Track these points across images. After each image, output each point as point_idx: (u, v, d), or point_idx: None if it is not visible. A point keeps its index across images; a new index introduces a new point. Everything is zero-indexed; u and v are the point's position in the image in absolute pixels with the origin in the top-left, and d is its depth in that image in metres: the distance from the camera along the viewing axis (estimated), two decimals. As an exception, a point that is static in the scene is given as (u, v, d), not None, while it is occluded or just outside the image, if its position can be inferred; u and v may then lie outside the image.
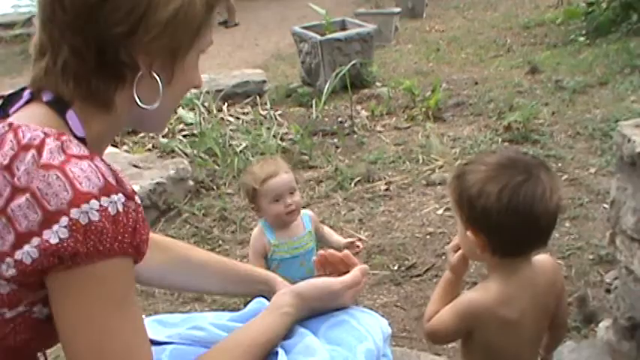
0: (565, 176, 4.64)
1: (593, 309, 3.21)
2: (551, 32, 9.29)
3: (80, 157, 1.15)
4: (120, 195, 1.15)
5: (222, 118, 6.38)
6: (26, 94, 1.31)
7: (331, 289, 1.56)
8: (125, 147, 5.92)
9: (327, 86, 6.34)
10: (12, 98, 1.32)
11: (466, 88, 6.94)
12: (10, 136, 1.19)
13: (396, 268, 3.86)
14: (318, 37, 7.35)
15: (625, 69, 6.77)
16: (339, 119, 6.37)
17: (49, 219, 1.11)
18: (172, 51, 1.29)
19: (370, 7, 11.73)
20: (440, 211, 4.41)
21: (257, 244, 2.82)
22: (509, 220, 1.72)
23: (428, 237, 4.14)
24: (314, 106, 6.38)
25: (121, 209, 1.15)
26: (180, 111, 6.25)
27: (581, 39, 8.35)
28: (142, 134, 6.18)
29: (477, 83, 7.15)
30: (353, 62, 6.69)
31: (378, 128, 6.07)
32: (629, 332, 2.53)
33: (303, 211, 2.92)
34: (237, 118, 6.45)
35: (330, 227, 4.33)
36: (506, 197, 1.71)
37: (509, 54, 8.60)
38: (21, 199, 1.12)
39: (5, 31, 12.64)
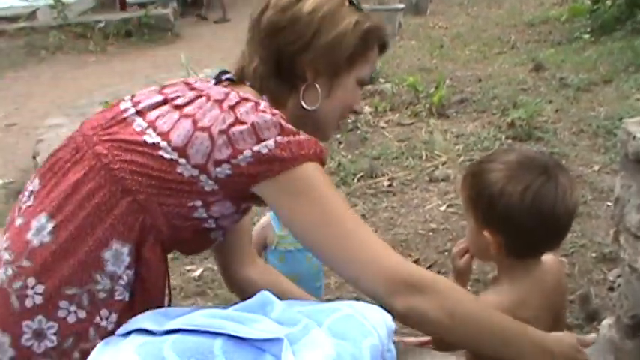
0: (569, 174, 4.61)
1: (595, 307, 3.21)
2: (555, 30, 9.25)
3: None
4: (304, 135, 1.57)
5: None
6: (228, 76, 1.78)
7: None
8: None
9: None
10: (219, 75, 1.78)
11: (470, 85, 6.92)
12: (234, 92, 1.60)
13: (398, 264, 3.83)
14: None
15: (629, 67, 6.75)
16: (343, 115, 6.32)
17: (260, 141, 1.51)
18: (331, 71, 1.71)
19: (374, 3, 11.67)
20: (443, 208, 4.40)
21: (260, 233, 2.68)
22: (531, 222, 1.71)
23: (431, 233, 4.13)
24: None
25: (292, 139, 1.54)
26: None
27: (586, 36, 8.33)
28: None
29: (480, 80, 7.12)
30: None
31: (382, 124, 6.05)
32: (632, 330, 2.52)
33: None
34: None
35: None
36: (529, 198, 1.70)
37: (514, 51, 8.57)
38: (242, 127, 1.51)
39: (9, 24, 12.51)
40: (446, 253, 3.88)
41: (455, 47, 9.15)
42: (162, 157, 1.54)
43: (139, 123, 1.60)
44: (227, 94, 1.59)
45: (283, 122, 1.55)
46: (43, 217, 1.56)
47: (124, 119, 1.62)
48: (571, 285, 3.43)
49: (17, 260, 1.54)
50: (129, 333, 1.47)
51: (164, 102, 1.64)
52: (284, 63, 1.69)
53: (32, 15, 13.20)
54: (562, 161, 4.64)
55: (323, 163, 1.60)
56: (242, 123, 1.52)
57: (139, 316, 1.52)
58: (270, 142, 1.52)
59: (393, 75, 7.47)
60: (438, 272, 3.66)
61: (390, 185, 4.83)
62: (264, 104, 1.58)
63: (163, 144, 1.55)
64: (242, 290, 2.02)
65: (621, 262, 2.50)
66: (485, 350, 1.64)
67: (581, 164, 4.77)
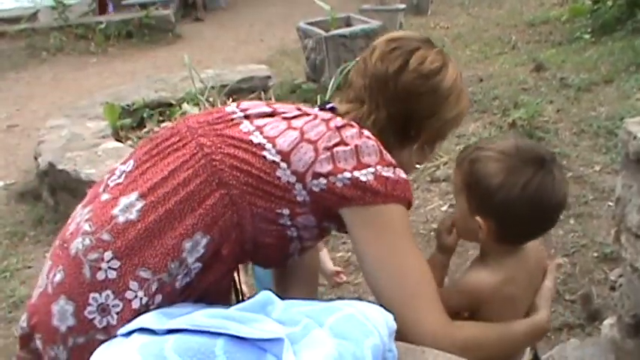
0: (570, 174, 4.61)
1: (597, 307, 3.21)
2: (556, 30, 9.20)
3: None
4: (391, 168, 1.64)
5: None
6: (331, 106, 1.85)
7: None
8: (130, 142, 5.90)
9: (332, 82, 6.30)
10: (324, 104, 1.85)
11: (471, 85, 6.88)
12: (339, 117, 1.71)
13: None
14: (323, 33, 7.31)
15: (630, 67, 6.71)
16: (344, 116, 6.28)
17: (360, 166, 1.60)
18: (439, 138, 1.90)
19: (375, 3, 11.65)
20: (444, 208, 4.39)
21: None
22: (528, 214, 1.75)
23: (432, 233, 4.09)
24: (318, 102, 6.29)
25: (392, 176, 1.62)
26: (185, 106, 6.22)
27: (587, 37, 8.27)
28: (145, 129, 6.19)
29: (481, 80, 7.08)
30: (358, 59, 6.60)
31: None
32: (634, 330, 2.52)
33: None
34: (243, 114, 6.38)
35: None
36: (530, 192, 1.74)
37: (514, 51, 8.52)
38: (345, 148, 1.60)
39: (10, 25, 12.50)
40: (447, 254, 3.86)
41: (456, 47, 9.09)
42: (264, 157, 1.61)
43: (247, 125, 1.67)
44: (334, 117, 1.69)
45: (384, 151, 1.64)
46: (133, 195, 1.60)
47: (232, 119, 1.70)
48: (572, 285, 3.43)
49: (97, 232, 1.57)
50: (130, 333, 1.47)
51: (272, 114, 1.71)
52: (410, 123, 1.80)
53: (33, 16, 13.13)
54: (563, 161, 4.67)
55: (409, 207, 1.68)
56: (346, 144, 1.61)
57: (141, 316, 1.52)
58: (370, 171, 1.60)
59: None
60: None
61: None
62: (367, 132, 1.67)
63: (268, 145, 1.61)
64: None
65: (623, 261, 2.50)
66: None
67: (583, 164, 4.76)
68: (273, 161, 1.61)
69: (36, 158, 5.75)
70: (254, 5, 14.36)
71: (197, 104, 6.22)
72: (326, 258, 2.88)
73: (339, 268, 2.87)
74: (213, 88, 6.64)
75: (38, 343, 1.57)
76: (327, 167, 1.59)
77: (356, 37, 7.31)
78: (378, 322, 1.48)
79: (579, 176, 4.56)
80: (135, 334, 1.45)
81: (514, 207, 1.74)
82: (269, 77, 7.21)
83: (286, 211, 1.63)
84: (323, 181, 1.59)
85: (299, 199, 1.62)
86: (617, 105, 5.77)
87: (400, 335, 1.54)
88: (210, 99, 6.44)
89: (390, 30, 9.89)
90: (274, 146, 1.62)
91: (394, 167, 1.64)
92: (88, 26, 12.30)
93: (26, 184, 6.06)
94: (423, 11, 11.83)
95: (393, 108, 1.78)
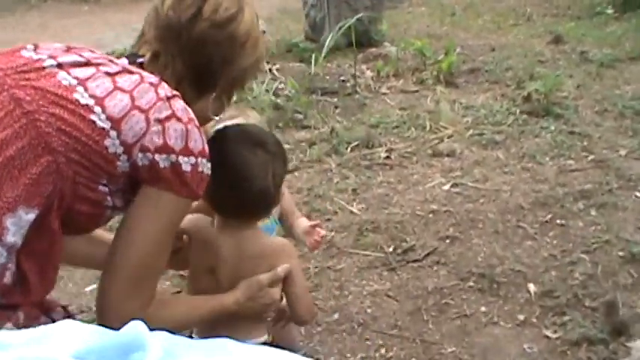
0: (591, 157, 4.13)
1: (623, 318, 2.68)
2: (574, 4, 8.74)
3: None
4: (207, 161, 1.61)
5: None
6: (141, 61, 1.71)
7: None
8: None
9: (328, 40, 5.78)
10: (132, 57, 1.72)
11: (482, 55, 6.37)
12: (164, 82, 1.61)
13: (390, 250, 3.34)
14: (325, -12, 6.77)
15: (656, 44, 6.21)
16: (342, 78, 5.81)
17: (186, 151, 1.55)
18: (236, 87, 1.84)
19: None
20: (446, 187, 3.88)
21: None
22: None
23: (431, 215, 3.61)
24: (312, 62, 5.77)
25: (205, 171, 1.60)
26: None
27: (609, 12, 7.81)
28: None
29: (494, 50, 6.58)
30: (359, 15, 6.12)
31: (383, 90, 5.52)
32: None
33: None
34: (231, 70, 5.89)
35: (320, 196, 3.86)
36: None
37: (530, 23, 8.06)
38: (177, 125, 1.55)
39: None
40: (447, 240, 3.36)
41: (467, 16, 8.64)
42: (94, 122, 1.48)
43: (65, 77, 1.52)
44: (160, 82, 1.59)
45: (205, 142, 1.61)
46: None
47: (43, 68, 1.54)
48: (593, 289, 2.91)
49: None
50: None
51: (86, 64, 1.58)
52: (207, 73, 1.72)
53: None
54: (584, 142, 4.28)
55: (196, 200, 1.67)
56: (178, 120, 1.55)
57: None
58: (192, 161, 1.56)
59: (400, 40, 6.89)
60: (437, 262, 3.20)
61: (387, 157, 4.30)
62: (191, 112, 1.60)
63: (97, 109, 1.49)
64: None
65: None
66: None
67: (606, 147, 4.23)
68: (103, 128, 1.49)
69: None
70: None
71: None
72: (299, 220, 2.37)
73: (313, 222, 2.30)
74: None
75: None
76: (156, 142, 1.52)
77: (361, -6, 6.73)
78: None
79: (602, 160, 4.04)
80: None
81: None
82: (263, 32, 6.62)
83: (104, 181, 1.53)
84: (149, 155, 1.52)
85: (120, 170, 1.53)
86: (643, 84, 5.27)
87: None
88: None
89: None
90: (104, 110, 1.49)
91: (207, 159, 1.61)
92: (81, -27, 11.87)
93: None
94: (435, -23, 11.26)
95: (189, 58, 1.69)
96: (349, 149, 4.40)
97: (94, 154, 1.48)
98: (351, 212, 3.68)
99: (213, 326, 1.88)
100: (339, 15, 6.61)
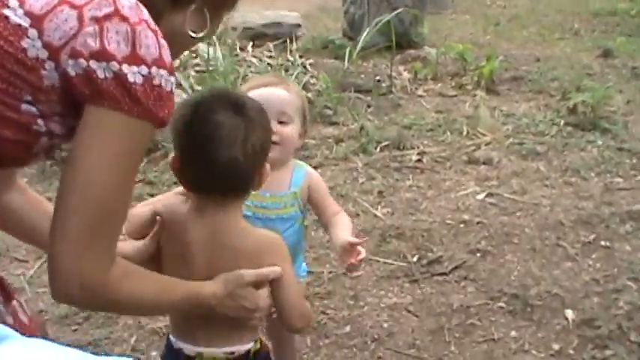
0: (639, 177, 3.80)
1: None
2: (624, 23, 8.52)
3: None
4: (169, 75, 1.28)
5: (244, 58, 5.62)
6: None
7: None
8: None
9: (363, 35, 5.52)
10: None
11: (526, 64, 6.09)
12: None
13: (414, 259, 3.06)
14: (366, -17, 6.52)
15: None
16: (377, 77, 5.55)
17: (134, 59, 1.23)
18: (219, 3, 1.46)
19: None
20: (480, 196, 3.60)
21: None
22: None
23: (461, 226, 3.33)
24: (346, 58, 5.51)
25: (165, 85, 1.27)
26: (199, 45, 5.50)
27: (660, 30, 7.51)
28: None
29: (538, 60, 6.30)
30: (398, 11, 5.87)
31: (420, 92, 5.25)
32: None
33: (298, 163, 2.04)
34: (261, 61, 5.68)
35: (342, 196, 3.57)
36: None
37: (577, 37, 7.82)
38: (120, 26, 1.22)
39: None
40: (478, 254, 3.07)
41: (512, 27, 8.43)
42: (7, 17, 1.21)
43: None
44: None
45: (164, 46, 1.28)
46: None
47: None
48: (641, 321, 2.60)
49: None
50: None
51: None
52: None
53: None
54: (633, 159, 4.00)
55: (160, 127, 1.33)
56: (123, 19, 1.23)
57: None
58: (143, 71, 1.24)
59: (440, 45, 6.62)
60: (465, 278, 2.89)
61: (418, 160, 4.02)
62: (146, 12, 1.28)
63: (13, 3, 1.23)
64: None
65: None
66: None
67: (658, 167, 3.92)
68: (19, 25, 1.21)
69: None
70: None
71: (213, 44, 5.47)
72: (336, 226, 1.96)
73: (355, 240, 1.91)
74: (234, 29, 5.99)
75: None
76: (91, 46, 1.21)
77: (403, -8, 6.46)
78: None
79: (652, 183, 3.73)
80: None
81: None
82: (299, 25, 6.44)
83: (28, 97, 1.24)
84: (82, 63, 1.21)
85: (46, 82, 1.23)
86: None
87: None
88: (229, 41, 5.80)
89: (443, 0, 9.22)
90: (21, 5, 1.22)
91: (169, 72, 1.28)
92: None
93: None
94: (480, -13, 11.05)
95: None
96: (378, 149, 4.14)
97: (8, 57, 1.21)
98: (375, 216, 3.41)
99: (187, 322, 1.65)
100: (379, 13, 6.34)
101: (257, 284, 1.60)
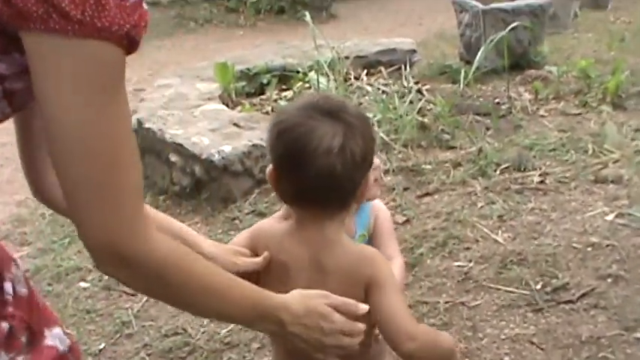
0: None
1: None
2: None
3: None
4: None
5: (358, 87, 5.52)
6: None
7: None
8: (240, 108, 5.16)
9: (478, 54, 5.33)
10: None
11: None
12: None
13: (538, 287, 2.84)
14: (480, 5, 6.35)
15: None
16: (496, 100, 5.33)
17: None
18: None
19: (549, -12, 10.58)
20: (610, 217, 3.33)
21: None
22: None
23: (589, 249, 3.08)
24: (461, 81, 5.34)
25: None
26: (311, 75, 5.48)
27: None
28: (263, 96, 5.55)
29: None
30: (513, 25, 5.69)
31: (541, 112, 4.98)
32: None
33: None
34: (377, 89, 5.57)
35: (460, 222, 3.39)
36: None
37: None
38: None
39: None
40: (609, 280, 2.82)
41: (638, 42, 7.95)
42: None
43: None
44: None
45: None
46: None
47: None
48: None
49: None
50: None
51: None
52: None
53: None
54: None
55: (132, 49, 1.08)
56: None
57: None
58: None
59: (562, 64, 6.34)
60: (595, 306, 2.67)
61: (541, 182, 3.78)
62: None
63: None
64: (48, 200, 1.50)
65: None
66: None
67: None
68: None
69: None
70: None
71: (326, 74, 5.41)
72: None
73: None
74: (347, 58, 5.92)
75: None
76: None
77: (519, 12, 6.25)
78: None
79: None
80: None
81: None
82: (414, 51, 6.28)
83: None
84: None
85: None
86: None
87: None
88: (344, 69, 5.70)
89: (563, 19, 8.90)
90: None
91: None
92: (239, -1, 12.20)
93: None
94: (603, 5, 10.83)
95: None
96: (498, 171, 3.92)
97: None
98: (495, 241, 3.20)
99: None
100: (495, 34, 6.15)
101: (342, 312, 1.42)
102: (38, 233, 4.15)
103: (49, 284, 3.51)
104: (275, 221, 1.63)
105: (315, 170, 1.41)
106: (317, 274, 1.49)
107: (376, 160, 1.70)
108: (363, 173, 1.47)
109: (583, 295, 2.75)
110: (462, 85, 5.25)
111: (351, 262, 1.49)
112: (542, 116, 4.88)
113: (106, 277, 3.39)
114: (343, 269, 1.48)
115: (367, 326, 1.45)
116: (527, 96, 5.36)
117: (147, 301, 3.19)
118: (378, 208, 1.89)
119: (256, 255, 1.59)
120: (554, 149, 4.17)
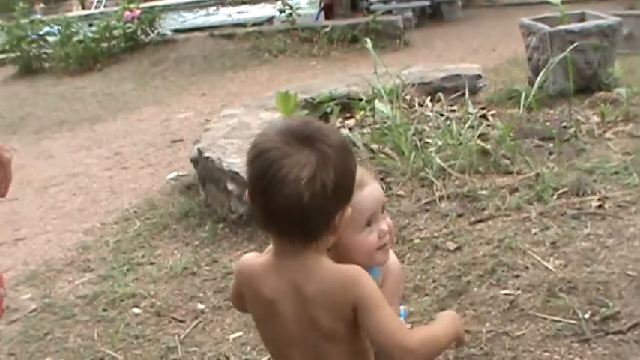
0: None
1: None
2: None
3: None
4: None
5: (422, 113, 5.47)
6: None
7: None
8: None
9: (540, 75, 5.23)
10: None
11: None
12: None
13: (586, 316, 2.72)
14: (548, 28, 6.19)
15: None
16: (563, 124, 5.18)
17: None
18: None
19: (623, 8, 10.26)
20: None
21: None
22: None
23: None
24: (521, 104, 5.22)
25: None
26: (376, 102, 5.45)
27: None
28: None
29: None
30: (575, 44, 5.58)
31: (608, 135, 4.81)
32: None
33: None
34: (442, 115, 5.50)
35: (511, 248, 3.29)
36: None
37: None
38: None
39: (240, 28, 12.88)
40: (665, 309, 2.67)
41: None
42: None
43: None
44: None
45: None
46: None
47: None
48: None
49: None
50: None
51: None
52: None
53: (267, 21, 13.83)
54: None
55: None
56: None
57: None
58: None
59: (635, 85, 6.13)
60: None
61: (599, 207, 3.63)
62: None
63: None
64: None
65: None
66: None
67: None
68: None
69: (194, 143, 5.29)
70: (494, 17, 13.46)
71: (391, 101, 5.38)
72: None
73: None
74: (413, 85, 5.98)
75: None
76: None
77: (588, 33, 6.06)
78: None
79: None
80: None
81: None
82: (479, 76, 6.20)
83: None
84: None
85: None
86: None
87: None
88: (407, 96, 5.76)
89: (638, 39, 8.62)
90: None
91: None
92: (313, 29, 12.24)
93: (192, 175, 5.50)
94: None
95: None
96: (555, 197, 3.79)
97: None
98: (546, 268, 3.09)
99: None
100: (565, 57, 5.99)
101: None
102: (100, 260, 4.23)
103: (104, 309, 3.57)
104: (256, 255, 1.61)
105: (282, 198, 1.39)
106: (299, 304, 1.47)
107: (384, 226, 1.66)
108: (336, 205, 1.44)
109: (634, 326, 2.60)
110: (521, 109, 5.13)
111: (335, 286, 1.46)
112: (609, 139, 4.72)
113: (159, 302, 3.44)
114: (326, 294, 1.45)
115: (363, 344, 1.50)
116: (594, 119, 5.20)
117: (194, 327, 3.21)
118: (391, 261, 1.82)
119: (242, 295, 1.63)
120: (616, 172, 4.01)
